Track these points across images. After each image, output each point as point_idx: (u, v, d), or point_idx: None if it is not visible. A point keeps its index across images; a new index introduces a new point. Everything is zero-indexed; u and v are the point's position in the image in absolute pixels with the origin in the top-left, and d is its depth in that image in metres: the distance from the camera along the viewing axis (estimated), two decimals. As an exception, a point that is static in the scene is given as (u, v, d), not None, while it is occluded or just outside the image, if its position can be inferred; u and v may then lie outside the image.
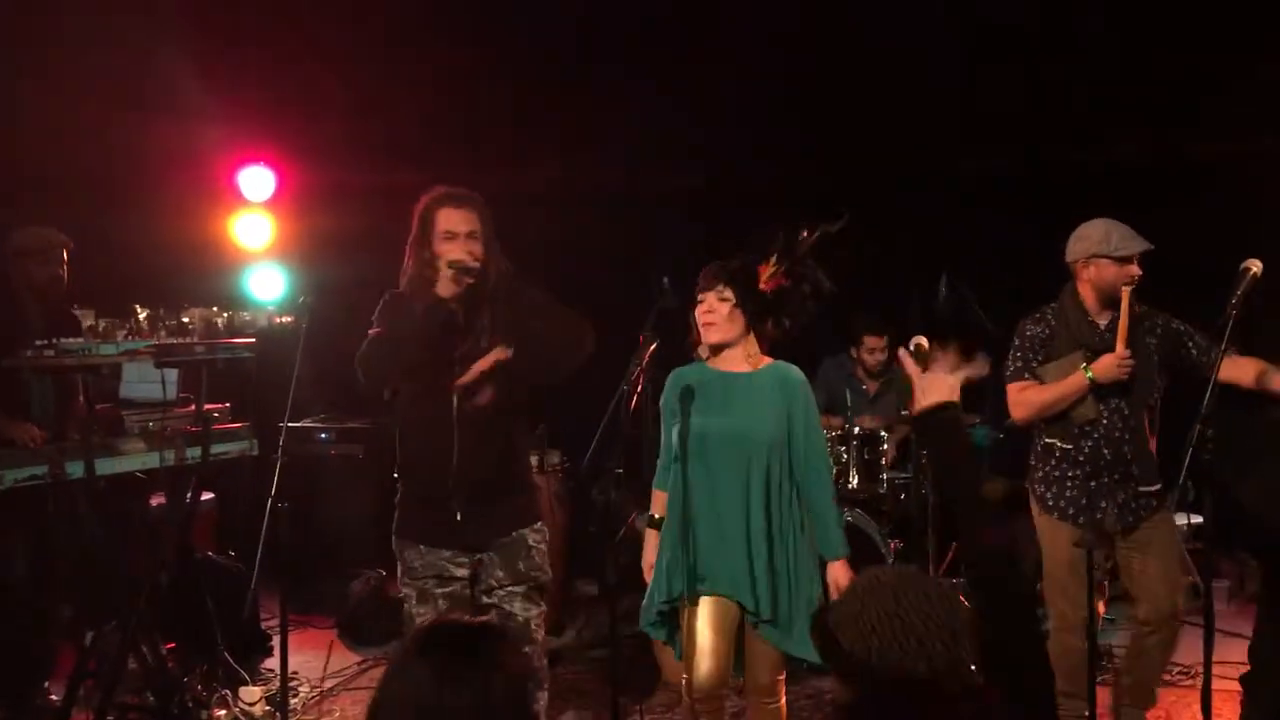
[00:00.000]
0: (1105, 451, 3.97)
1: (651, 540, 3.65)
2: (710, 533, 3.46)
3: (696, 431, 3.43)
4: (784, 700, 3.62)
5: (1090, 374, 3.90)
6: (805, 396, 3.54)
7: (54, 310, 4.69)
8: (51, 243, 4.78)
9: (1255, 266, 3.60)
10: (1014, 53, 6.06)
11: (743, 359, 3.53)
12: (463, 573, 3.59)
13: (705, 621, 3.47)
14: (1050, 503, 4.08)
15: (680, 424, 3.43)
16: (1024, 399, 4.07)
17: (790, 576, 3.48)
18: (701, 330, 3.53)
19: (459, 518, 3.50)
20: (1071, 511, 4.02)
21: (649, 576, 3.61)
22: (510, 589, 3.57)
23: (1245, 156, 5.69)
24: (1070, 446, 4.01)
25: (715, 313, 3.48)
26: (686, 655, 3.44)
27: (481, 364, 3.46)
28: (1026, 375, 4.08)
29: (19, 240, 4.76)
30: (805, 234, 3.54)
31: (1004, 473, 6.48)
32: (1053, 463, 4.08)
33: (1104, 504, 3.96)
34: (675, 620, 3.51)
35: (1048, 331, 4.08)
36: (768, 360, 3.57)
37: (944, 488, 2.36)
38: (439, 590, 3.59)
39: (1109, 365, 3.85)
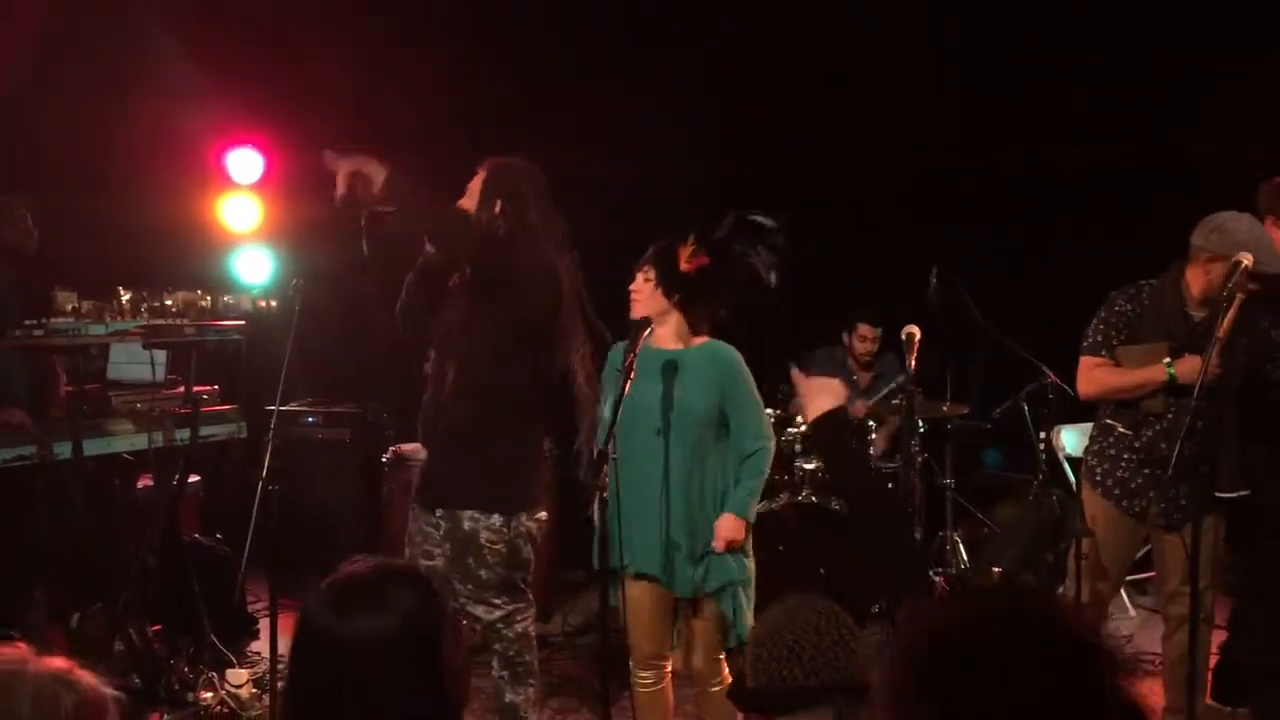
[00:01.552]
0: (1163, 445, 3.82)
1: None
2: (632, 508, 3.58)
3: (627, 404, 3.41)
4: (728, 680, 3.66)
5: (1172, 371, 3.75)
6: (738, 370, 3.67)
7: (24, 277, 4.59)
8: (12, 205, 4.61)
9: (1246, 259, 3.59)
10: (1013, 50, 6.07)
11: (674, 337, 3.68)
12: (442, 546, 3.59)
13: (639, 602, 3.62)
14: (1099, 479, 4.02)
15: (615, 396, 3.42)
16: (1096, 377, 3.95)
17: (711, 553, 3.56)
18: (632, 305, 3.69)
19: (431, 465, 3.59)
20: (1117, 492, 3.97)
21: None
22: (462, 592, 3.54)
23: (1244, 157, 5.72)
24: (1130, 432, 3.93)
25: (640, 291, 3.67)
26: (630, 630, 3.62)
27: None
28: (1104, 352, 3.92)
29: None
30: (726, 219, 3.66)
31: (997, 464, 6.57)
32: (1110, 441, 4.00)
33: (1151, 494, 3.88)
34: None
35: (1138, 311, 3.90)
36: (702, 339, 3.70)
37: (839, 483, 2.59)
38: (425, 563, 3.58)
39: (1194, 369, 3.60)
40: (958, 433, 5.84)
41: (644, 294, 3.65)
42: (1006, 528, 6.00)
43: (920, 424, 5.50)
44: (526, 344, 3.55)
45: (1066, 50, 5.99)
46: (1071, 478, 5.97)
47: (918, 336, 5.11)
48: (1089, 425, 6.09)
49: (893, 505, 2.27)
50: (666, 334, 3.67)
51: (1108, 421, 4.02)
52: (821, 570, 5.23)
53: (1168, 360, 3.77)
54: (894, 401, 5.54)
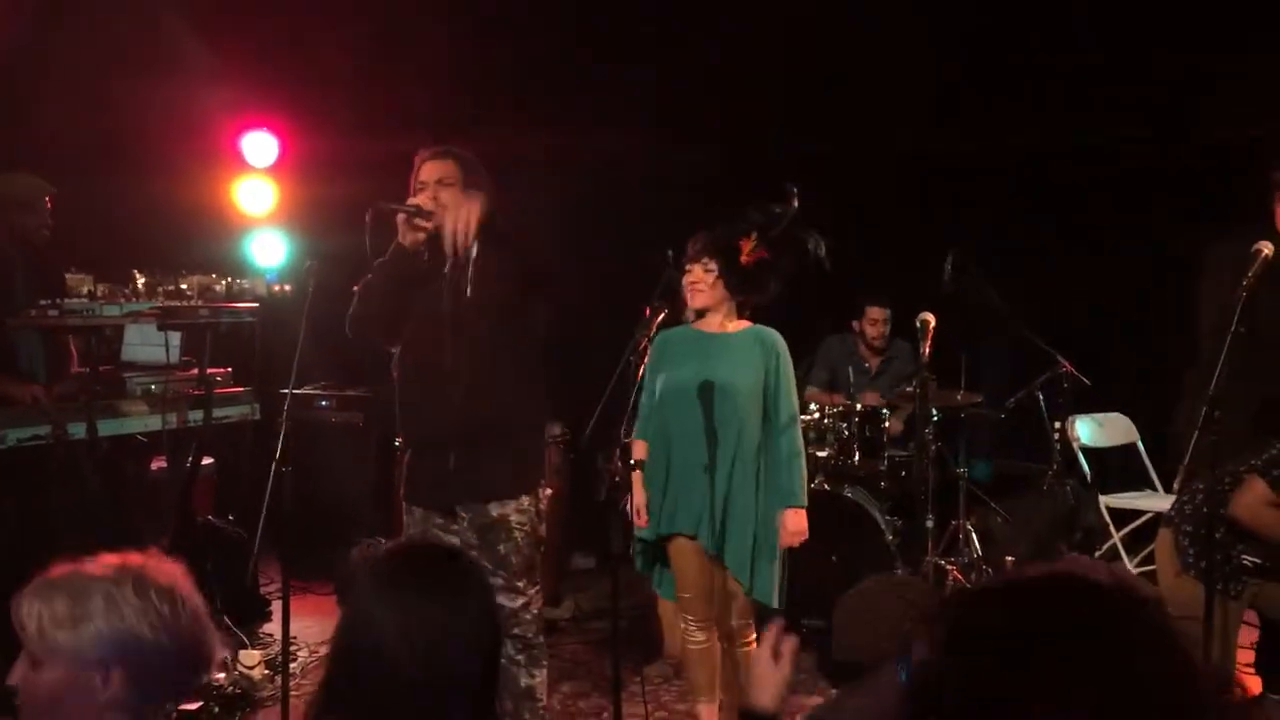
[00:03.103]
0: None
1: (639, 483, 3.88)
2: (680, 475, 3.83)
3: (676, 384, 3.82)
4: (754, 644, 3.82)
5: None
6: (781, 353, 3.89)
7: (38, 263, 4.60)
8: (37, 191, 4.63)
9: (1267, 249, 3.56)
10: (1020, 39, 6.03)
11: (723, 322, 3.91)
12: (455, 540, 3.53)
13: (687, 559, 3.86)
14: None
15: (664, 376, 3.83)
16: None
17: (743, 517, 3.78)
18: (688, 296, 3.88)
19: (451, 466, 3.47)
20: None
21: (640, 519, 3.87)
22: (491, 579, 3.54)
23: (1250, 147, 5.68)
24: None
25: (701, 282, 3.85)
26: (678, 592, 3.91)
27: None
28: None
29: (5, 188, 4.61)
30: (779, 212, 3.83)
31: (1006, 454, 6.54)
32: None
33: None
34: (654, 555, 3.96)
35: None
36: (746, 324, 3.93)
37: None
38: None
39: None
40: (971, 421, 5.82)
41: (705, 284, 3.84)
42: (1020, 517, 5.98)
43: (934, 412, 5.48)
44: (536, 325, 3.56)
45: (1072, 39, 5.94)
46: (1086, 468, 5.96)
47: (932, 323, 5.09)
48: (1103, 415, 6.10)
49: None
50: (717, 319, 3.90)
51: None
52: (834, 558, 5.22)
53: None
54: (906, 389, 5.52)
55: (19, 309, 4.28)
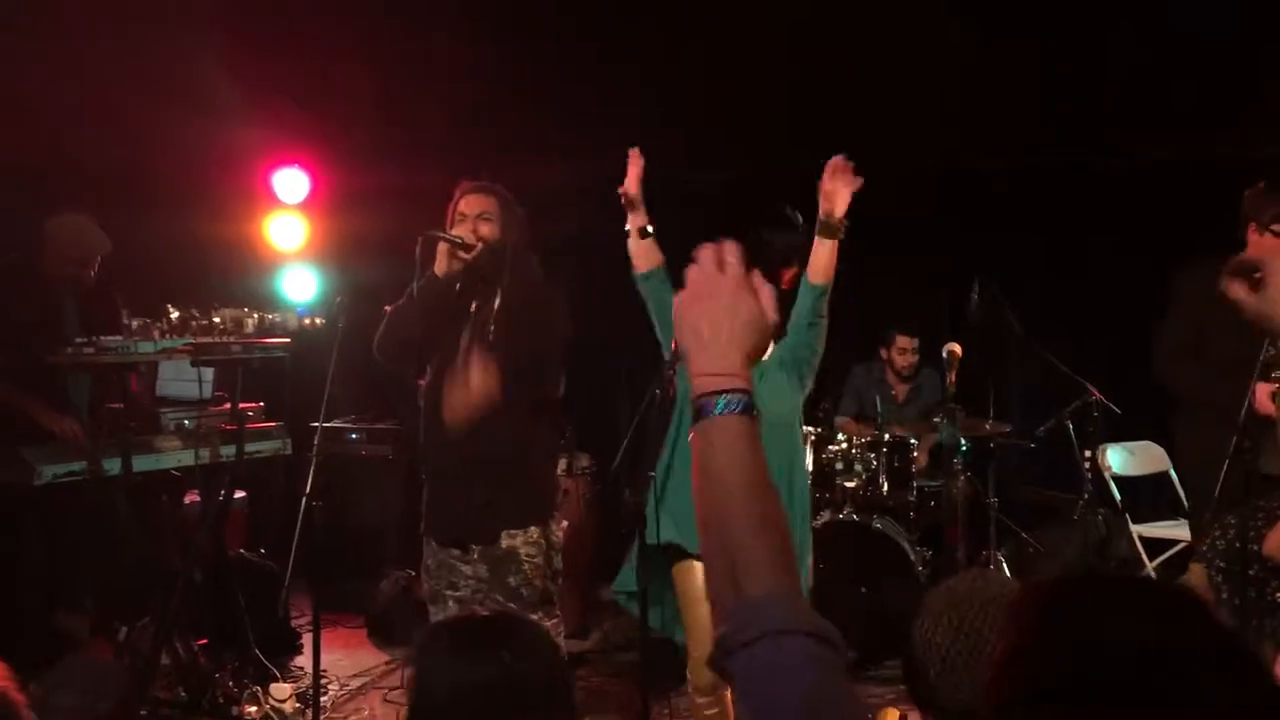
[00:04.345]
0: None
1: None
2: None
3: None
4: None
5: None
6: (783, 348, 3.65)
7: (90, 304, 4.73)
8: (95, 245, 4.82)
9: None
10: (1048, 54, 6.02)
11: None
12: (470, 571, 3.57)
13: (693, 596, 3.55)
14: None
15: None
16: None
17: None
18: None
19: (464, 499, 3.49)
20: None
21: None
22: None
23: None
24: None
25: None
26: (686, 631, 3.61)
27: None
28: None
29: (56, 231, 4.78)
30: (801, 231, 3.70)
31: (1032, 481, 6.49)
32: None
33: None
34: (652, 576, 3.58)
35: None
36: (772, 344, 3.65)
37: None
38: (450, 594, 3.59)
39: None
40: (1000, 451, 5.79)
41: None
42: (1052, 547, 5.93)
43: (963, 442, 5.46)
44: (557, 358, 3.60)
45: (1101, 51, 5.93)
46: (1118, 496, 5.90)
47: (959, 354, 5.08)
48: (1134, 444, 6.04)
49: None
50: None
51: None
52: (863, 589, 5.19)
53: None
54: (934, 420, 5.50)
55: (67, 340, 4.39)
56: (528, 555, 3.53)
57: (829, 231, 3.52)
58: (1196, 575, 3.73)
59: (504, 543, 3.52)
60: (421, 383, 3.69)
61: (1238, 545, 3.50)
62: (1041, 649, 1.09)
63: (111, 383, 4.73)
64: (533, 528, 3.55)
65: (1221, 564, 3.62)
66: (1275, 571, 3.53)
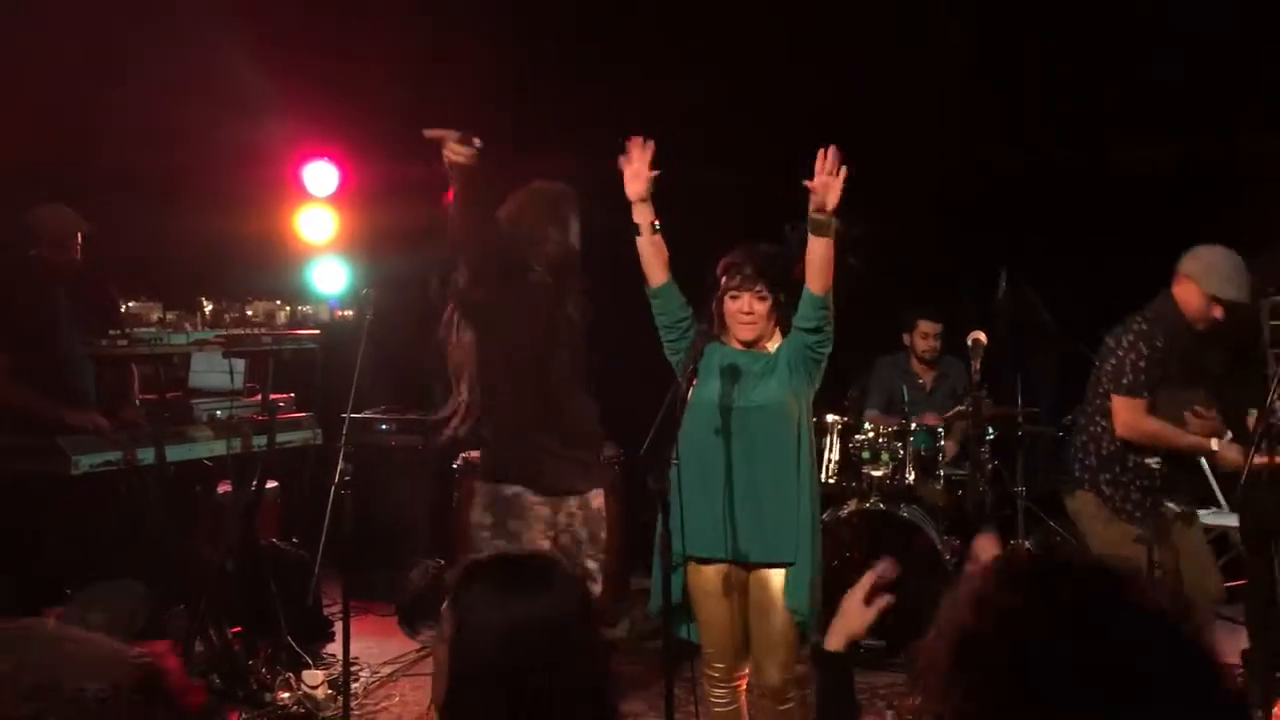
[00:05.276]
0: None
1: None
2: (704, 499, 3.48)
3: (721, 404, 3.46)
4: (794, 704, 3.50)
5: (1215, 450, 4.06)
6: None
7: (83, 294, 4.70)
8: (70, 226, 4.73)
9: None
10: (1077, 44, 5.99)
11: (767, 342, 3.60)
12: (545, 511, 3.76)
13: (706, 591, 3.54)
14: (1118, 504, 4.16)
15: (694, 390, 3.39)
16: (1143, 427, 4.07)
17: (779, 516, 3.46)
18: (738, 326, 3.56)
19: (557, 452, 3.77)
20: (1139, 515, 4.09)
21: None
22: (590, 556, 3.87)
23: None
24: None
25: (754, 313, 3.52)
26: (703, 632, 3.61)
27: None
28: (1144, 394, 4.06)
29: (32, 222, 4.70)
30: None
31: (1060, 470, 6.45)
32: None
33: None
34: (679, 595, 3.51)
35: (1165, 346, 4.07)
36: (780, 339, 3.62)
37: None
38: (542, 543, 3.72)
39: (1231, 462, 3.98)
40: (1028, 439, 5.76)
41: (760, 315, 3.53)
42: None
43: (990, 430, 5.44)
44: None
45: (1129, 44, 5.89)
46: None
47: (984, 342, 5.06)
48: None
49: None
50: (760, 342, 3.59)
51: (1148, 463, 4.05)
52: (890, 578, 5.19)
53: (1214, 443, 4.04)
54: (960, 408, 5.49)
55: (66, 341, 4.42)
56: (598, 510, 3.88)
57: (821, 229, 3.36)
58: (1085, 502, 4.21)
59: (594, 503, 3.87)
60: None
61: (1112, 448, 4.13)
62: (992, 634, 1.14)
63: (129, 376, 4.77)
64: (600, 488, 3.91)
65: (1107, 476, 4.15)
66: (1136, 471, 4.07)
